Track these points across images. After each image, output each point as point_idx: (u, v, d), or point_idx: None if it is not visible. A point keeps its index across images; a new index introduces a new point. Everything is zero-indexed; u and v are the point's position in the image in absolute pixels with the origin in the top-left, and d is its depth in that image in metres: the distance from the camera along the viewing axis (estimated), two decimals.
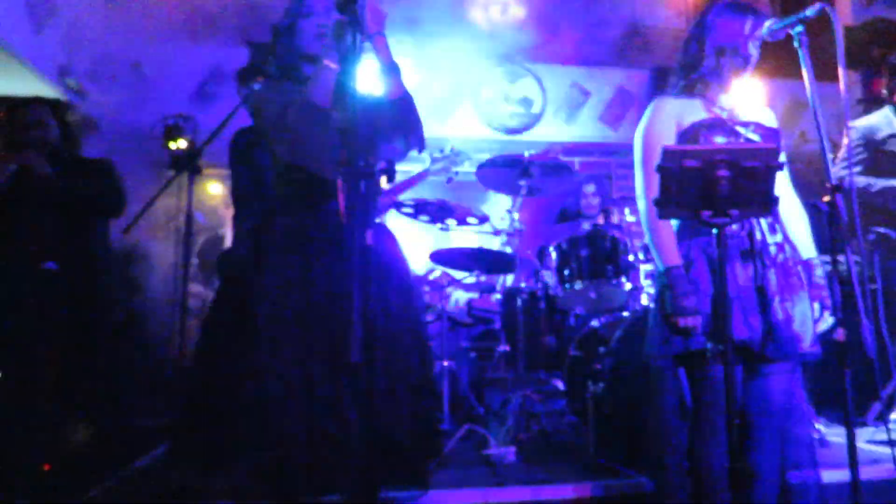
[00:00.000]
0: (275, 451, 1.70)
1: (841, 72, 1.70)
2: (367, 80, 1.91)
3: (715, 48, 1.89)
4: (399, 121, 1.86)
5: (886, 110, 3.17)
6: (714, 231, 1.38)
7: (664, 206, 1.31)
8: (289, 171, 1.89)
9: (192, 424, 2.03)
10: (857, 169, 3.12)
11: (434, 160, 3.04)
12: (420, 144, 1.91)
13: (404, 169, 3.27)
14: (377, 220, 1.97)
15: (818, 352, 1.79)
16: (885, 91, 3.27)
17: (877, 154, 3.10)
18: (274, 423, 1.70)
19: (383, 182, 1.74)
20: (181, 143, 4.21)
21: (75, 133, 3.04)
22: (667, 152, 1.30)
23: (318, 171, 1.80)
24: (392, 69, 1.86)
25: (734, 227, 1.77)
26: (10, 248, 2.82)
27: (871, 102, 4.77)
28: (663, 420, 1.87)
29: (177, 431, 2.71)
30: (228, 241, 4.25)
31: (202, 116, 4.43)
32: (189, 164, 2.80)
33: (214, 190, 4.95)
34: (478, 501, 2.27)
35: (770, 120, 1.96)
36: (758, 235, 1.79)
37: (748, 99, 1.99)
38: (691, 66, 1.94)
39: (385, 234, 1.97)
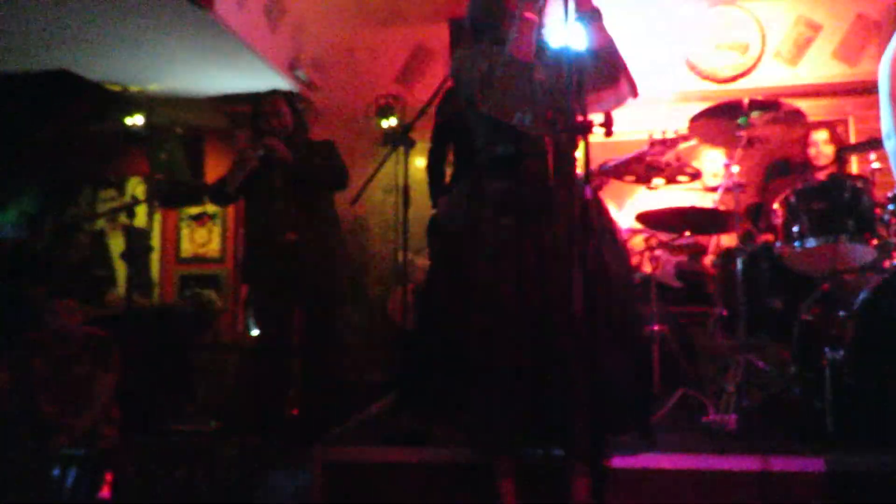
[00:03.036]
0: (496, 402, 1.79)
1: None
2: (569, 32, 1.88)
3: None
4: (605, 70, 1.82)
5: None
6: None
7: None
8: (496, 134, 1.94)
9: (418, 377, 2.19)
10: None
11: (653, 144, 2.88)
12: (633, 91, 1.85)
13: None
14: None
15: None
16: None
17: None
18: (495, 376, 1.78)
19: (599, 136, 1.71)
20: (392, 121, 4.52)
21: (305, 119, 3.42)
22: None
23: (525, 128, 1.82)
24: (593, 17, 1.81)
25: None
26: (260, 222, 3.28)
27: None
28: None
29: (403, 383, 2.97)
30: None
31: (409, 94, 4.72)
32: (403, 138, 3.00)
33: (420, 163, 5.25)
34: (700, 467, 2.18)
35: None
36: None
37: None
38: None
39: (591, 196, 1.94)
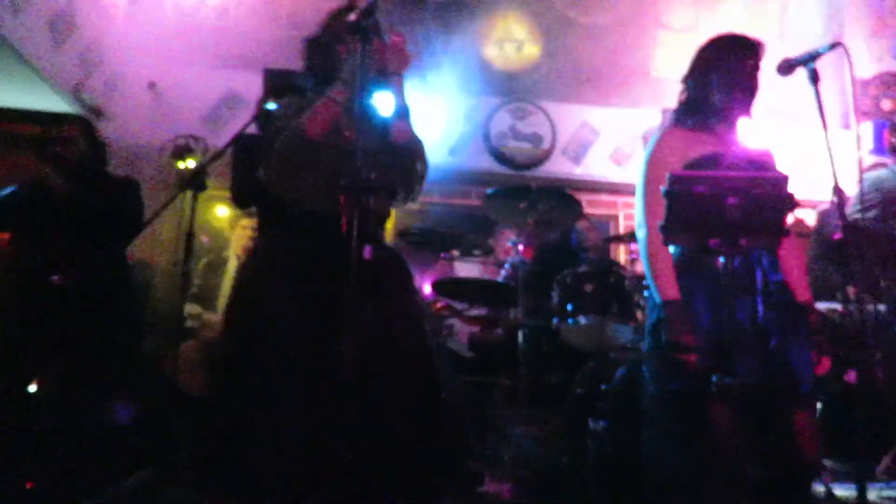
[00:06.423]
0: (267, 471, 1.65)
1: (850, 98, 1.69)
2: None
3: (713, 84, 1.89)
4: (400, 168, 1.82)
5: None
6: (721, 259, 1.34)
7: (670, 232, 1.28)
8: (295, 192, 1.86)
9: (188, 442, 1.96)
10: (871, 213, 3.13)
11: None
12: (410, 196, 1.87)
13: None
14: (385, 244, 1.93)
15: (816, 397, 1.73)
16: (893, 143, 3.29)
17: (887, 204, 3.11)
18: (268, 443, 1.65)
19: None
20: (189, 164, 4.22)
21: (103, 151, 3.08)
22: (674, 178, 1.28)
23: (296, 201, 1.77)
24: (402, 113, 1.82)
25: (736, 262, 1.72)
26: (24, 260, 2.84)
27: (882, 154, 4.77)
28: (662, 461, 1.80)
29: (170, 448, 2.66)
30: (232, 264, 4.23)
31: (214, 139, 4.46)
32: (193, 182, 2.79)
33: (221, 213, 4.95)
34: None
35: (774, 161, 1.92)
36: (760, 274, 1.74)
37: (756, 138, 1.98)
38: (694, 103, 1.95)
39: (395, 259, 1.92)
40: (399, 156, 1.80)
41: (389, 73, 1.76)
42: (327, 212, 1.76)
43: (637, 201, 1.86)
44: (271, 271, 1.79)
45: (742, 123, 1.91)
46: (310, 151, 1.72)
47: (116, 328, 3.07)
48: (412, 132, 1.84)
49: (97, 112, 4.04)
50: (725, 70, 1.86)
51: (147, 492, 2.59)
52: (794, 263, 1.86)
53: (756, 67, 1.86)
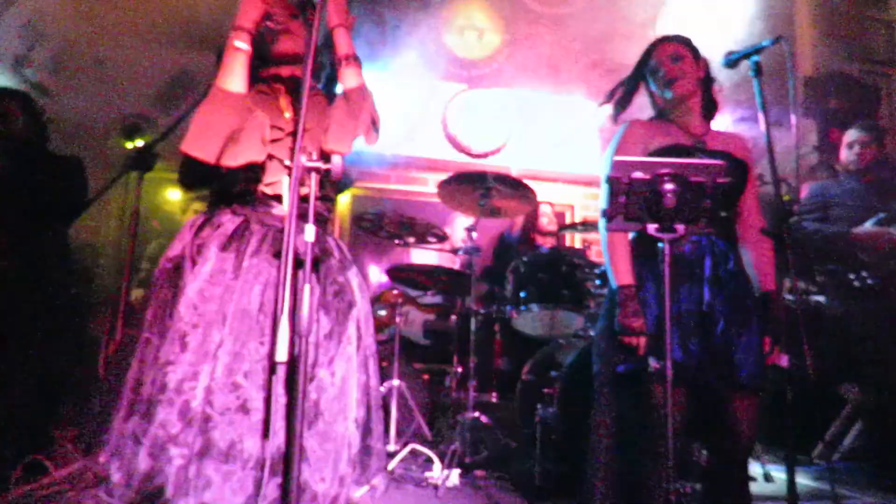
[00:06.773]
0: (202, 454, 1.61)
1: (791, 93, 1.74)
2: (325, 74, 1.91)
3: (654, 79, 1.95)
4: (355, 111, 1.80)
5: (840, 178, 3.40)
6: (660, 245, 1.37)
7: (612, 217, 1.30)
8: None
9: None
10: (813, 216, 3.28)
11: None
12: (374, 136, 1.84)
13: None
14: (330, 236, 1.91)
15: (762, 384, 1.77)
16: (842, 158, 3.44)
17: (828, 208, 3.27)
18: (198, 424, 1.61)
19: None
20: (139, 144, 4.09)
21: (44, 128, 2.96)
22: (616, 164, 1.29)
23: (215, 161, 1.73)
24: (352, 60, 1.82)
25: (686, 249, 1.76)
26: None
27: (826, 151, 4.93)
28: (603, 444, 1.84)
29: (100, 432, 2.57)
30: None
31: (165, 119, 4.34)
32: (139, 162, 2.70)
33: (173, 196, 4.83)
34: None
35: (743, 150, 1.95)
36: (710, 262, 1.78)
37: (722, 127, 2.02)
38: (650, 95, 2.00)
39: (335, 245, 1.91)
40: (350, 106, 1.79)
41: (334, 27, 1.77)
42: (259, 188, 1.74)
43: (601, 190, 1.88)
44: (201, 247, 1.74)
45: (709, 114, 1.97)
46: (227, 104, 1.70)
47: (56, 311, 2.96)
48: (363, 82, 1.83)
49: (40, 88, 3.88)
50: (648, 63, 1.95)
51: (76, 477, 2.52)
52: (761, 253, 1.89)
53: (676, 51, 1.92)
